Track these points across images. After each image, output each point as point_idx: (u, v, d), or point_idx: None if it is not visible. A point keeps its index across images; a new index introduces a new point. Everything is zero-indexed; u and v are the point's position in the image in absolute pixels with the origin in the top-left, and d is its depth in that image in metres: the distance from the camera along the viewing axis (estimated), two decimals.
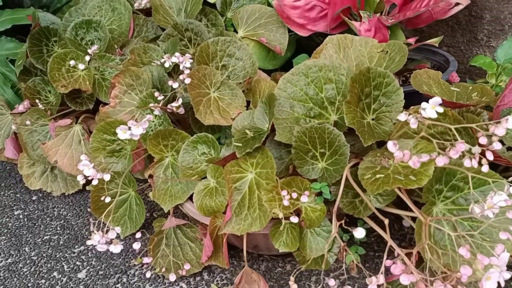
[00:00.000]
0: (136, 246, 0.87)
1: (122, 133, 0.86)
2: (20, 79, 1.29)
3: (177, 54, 1.02)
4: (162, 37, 1.21)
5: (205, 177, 0.90)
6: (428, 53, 1.25)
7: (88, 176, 0.89)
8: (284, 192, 0.73)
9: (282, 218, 0.73)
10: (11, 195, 1.38)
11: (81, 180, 0.91)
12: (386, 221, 0.71)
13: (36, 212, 1.29)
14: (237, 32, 1.29)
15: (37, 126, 1.22)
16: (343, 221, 0.74)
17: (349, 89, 0.76)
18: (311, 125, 0.77)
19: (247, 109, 1.00)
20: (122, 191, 1.08)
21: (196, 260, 0.96)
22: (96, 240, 0.87)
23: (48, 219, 1.26)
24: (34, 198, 1.35)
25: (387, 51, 0.94)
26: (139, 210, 1.08)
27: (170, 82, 0.96)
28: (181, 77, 0.94)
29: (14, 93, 1.37)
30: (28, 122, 1.17)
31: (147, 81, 1.06)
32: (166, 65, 1.03)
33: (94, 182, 0.89)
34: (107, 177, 0.90)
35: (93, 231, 0.89)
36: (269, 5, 1.34)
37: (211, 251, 0.87)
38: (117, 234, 0.85)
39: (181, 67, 1.02)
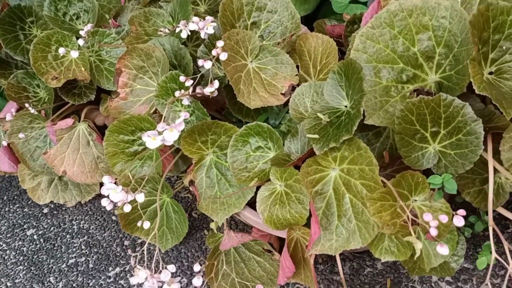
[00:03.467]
0: (197, 282, 0.67)
1: (151, 141, 0.64)
2: None
3: (195, 19, 0.78)
4: None
5: (269, 180, 0.69)
6: None
7: (117, 202, 0.68)
8: (427, 217, 0.50)
9: (419, 248, 0.52)
10: (17, 210, 1.18)
11: (107, 205, 0.70)
12: None
13: (52, 229, 1.09)
14: None
15: (32, 132, 0.99)
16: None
17: (471, 39, 0.53)
18: (420, 98, 0.55)
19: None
20: (154, 199, 0.88)
21: (267, 276, 0.77)
22: (142, 277, 0.68)
23: (68, 236, 1.06)
24: (45, 211, 1.15)
25: None
26: (179, 218, 0.88)
27: (200, 62, 0.72)
28: (213, 52, 0.71)
29: None
30: (22, 136, 0.94)
31: (162, 60, 0.82)
32: (183, 35, 0.79)
33: (127, 209, 0.68)
34: (140, 197, 0.69)
35: (135, 266, 0.69)
36: None
37: (292, 273, 0.68)
38: (172, 273, 0.65)
39: (202, 35, 0.78)
